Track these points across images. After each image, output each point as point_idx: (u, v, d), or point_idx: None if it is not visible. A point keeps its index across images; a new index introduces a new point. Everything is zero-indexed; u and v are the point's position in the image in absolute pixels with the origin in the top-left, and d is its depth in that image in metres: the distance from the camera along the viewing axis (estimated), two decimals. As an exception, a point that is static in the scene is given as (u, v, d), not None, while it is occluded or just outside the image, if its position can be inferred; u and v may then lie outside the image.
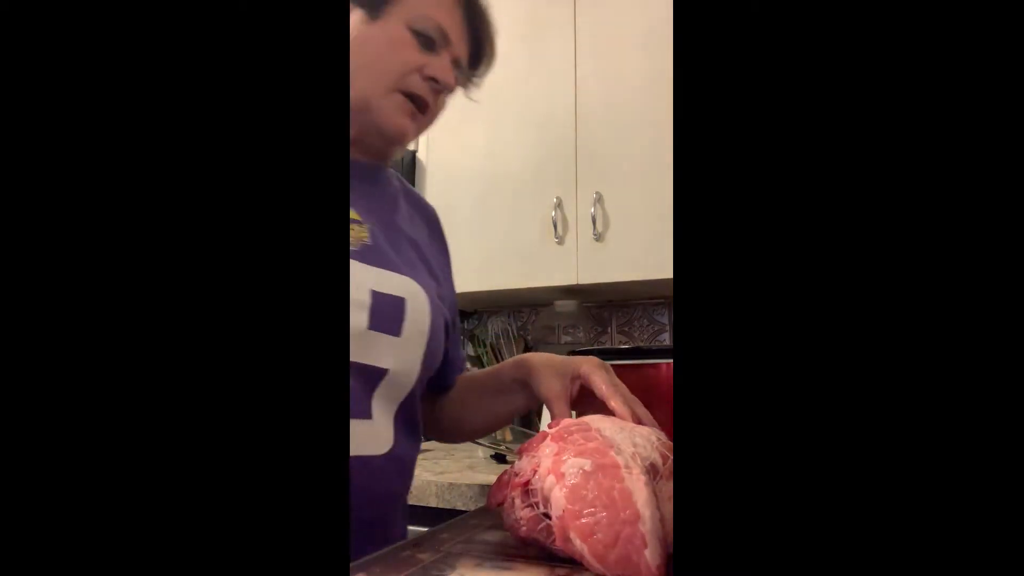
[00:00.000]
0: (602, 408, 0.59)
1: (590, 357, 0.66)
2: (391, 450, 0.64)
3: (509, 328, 1.97)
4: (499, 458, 1.44)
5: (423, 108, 0.67)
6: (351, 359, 0.60)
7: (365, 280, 0.62)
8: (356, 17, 0.65)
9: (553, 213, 1.58)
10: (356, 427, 0.60)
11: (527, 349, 1.88)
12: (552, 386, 0.66)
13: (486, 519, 0.59)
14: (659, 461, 0.45)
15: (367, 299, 0.61)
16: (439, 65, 0.65)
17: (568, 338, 1.92)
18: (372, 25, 0.65)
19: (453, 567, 0.43)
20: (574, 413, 0.64)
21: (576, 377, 0.65)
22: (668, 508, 0.42)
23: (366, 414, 0.62)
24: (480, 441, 1.43)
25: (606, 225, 1.54)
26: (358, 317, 0.60)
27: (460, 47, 0.68)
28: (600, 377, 0.62)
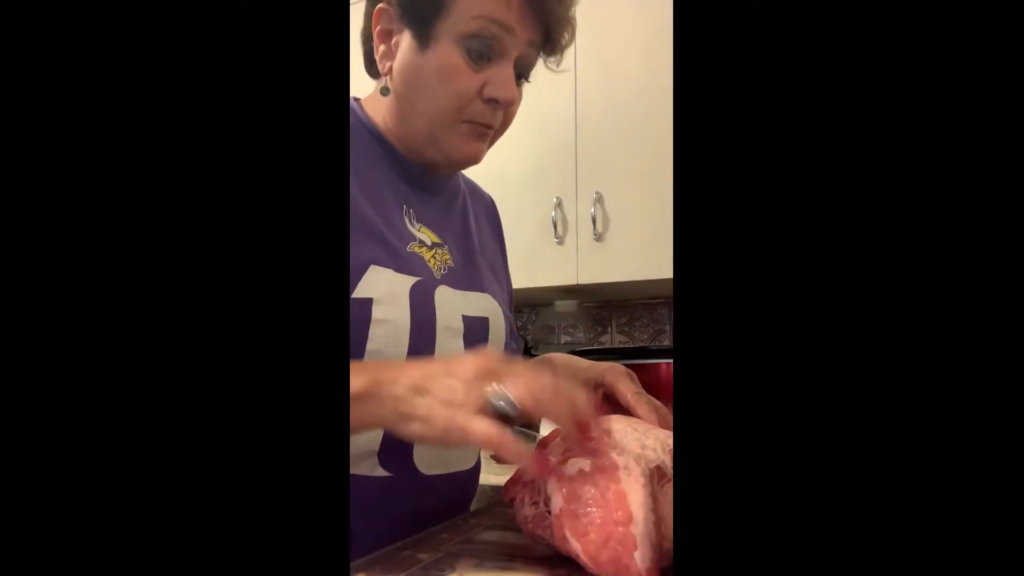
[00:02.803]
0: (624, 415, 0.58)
1: (614, 364, 0.65)
2: (476, 464, 0.71)
3: (509, 328, 1.97)
4: (499, 458, 1.44)
5: (491, 124, 0.63)
6: None
7: (457, 306, 0.64)
8: (406, 45, 0.61)
9: (553, 213, 1.58)
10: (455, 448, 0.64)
11: (527, 349, 1.88)
12: None
13: (486, 519, 0.59)
14: (669, 464, 0.44)
15: (460, 326, 0.64)
16: (497, 82, 0.60)
17: (568, 338, 1.92)
18: (423, 55, 0.60)
19: (453, 567, 0.43)
20: None
21: (599, 385, 0.64)
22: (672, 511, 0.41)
23: None
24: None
25: (606, 225, 1.54)
26: (454, 343, 0.63)
27: (529, 30, 0.60)
28: (625, 386, 0.60)
